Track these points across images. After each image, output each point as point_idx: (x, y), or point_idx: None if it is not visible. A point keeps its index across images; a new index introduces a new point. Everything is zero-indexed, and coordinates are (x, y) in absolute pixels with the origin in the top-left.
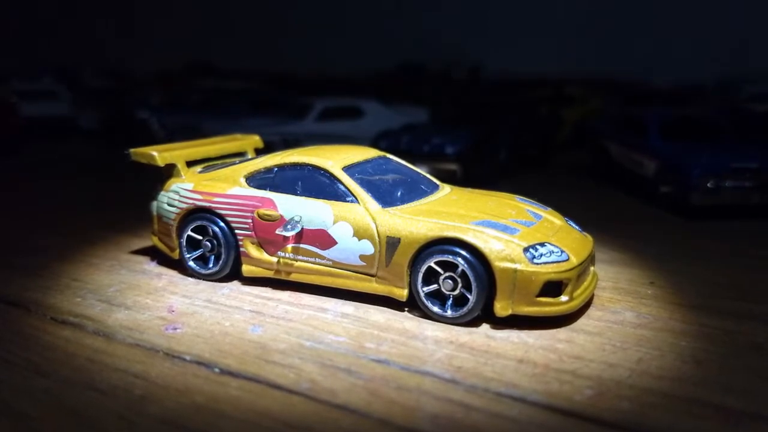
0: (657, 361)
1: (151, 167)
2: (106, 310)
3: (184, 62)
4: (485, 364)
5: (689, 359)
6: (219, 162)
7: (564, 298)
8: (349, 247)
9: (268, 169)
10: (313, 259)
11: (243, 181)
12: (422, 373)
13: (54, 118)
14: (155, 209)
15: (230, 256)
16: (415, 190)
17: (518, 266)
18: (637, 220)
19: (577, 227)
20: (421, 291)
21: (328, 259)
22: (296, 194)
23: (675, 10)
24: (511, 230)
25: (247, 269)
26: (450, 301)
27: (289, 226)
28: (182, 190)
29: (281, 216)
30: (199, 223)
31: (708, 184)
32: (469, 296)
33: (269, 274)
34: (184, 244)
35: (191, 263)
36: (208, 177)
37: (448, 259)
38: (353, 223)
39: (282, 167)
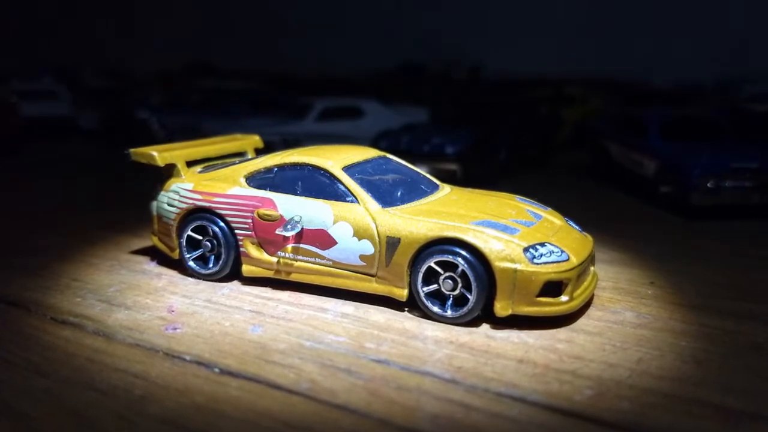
0: (657, 361)
1: (151, 167)
2: (106, 310)
3: (184, 62)
4: (485, 364)
5: (689, 359)
6: (219, 162)
7: (564, 298)
8: (349, 247)
9: (268, 169)
10: (313, 259)
11: (243, 181)
12: (422, 373)
13: (54, 118)
14: (155, 209)
15: (230, 256)
16: (415, 190)
17: (518, 266)
18: (637, 220)
19: (577, 227)
20: (421, 291)
21: (328, 259)
22: (296, 194)
23: (675, 10)
24: (511, 230)
25: (247, 269)
26: (450, 301)
27: (289, 226)
28: (182, 190)
29: (281, 216)
30: (199, 223)
31: (708, 184)
32: (469, 296)
33: (269, 274)
34: (184, 244)
35: (191, 263)
36: (208, 177)
37: (448, 259)
38: (353, 223)
39: (282, 167)
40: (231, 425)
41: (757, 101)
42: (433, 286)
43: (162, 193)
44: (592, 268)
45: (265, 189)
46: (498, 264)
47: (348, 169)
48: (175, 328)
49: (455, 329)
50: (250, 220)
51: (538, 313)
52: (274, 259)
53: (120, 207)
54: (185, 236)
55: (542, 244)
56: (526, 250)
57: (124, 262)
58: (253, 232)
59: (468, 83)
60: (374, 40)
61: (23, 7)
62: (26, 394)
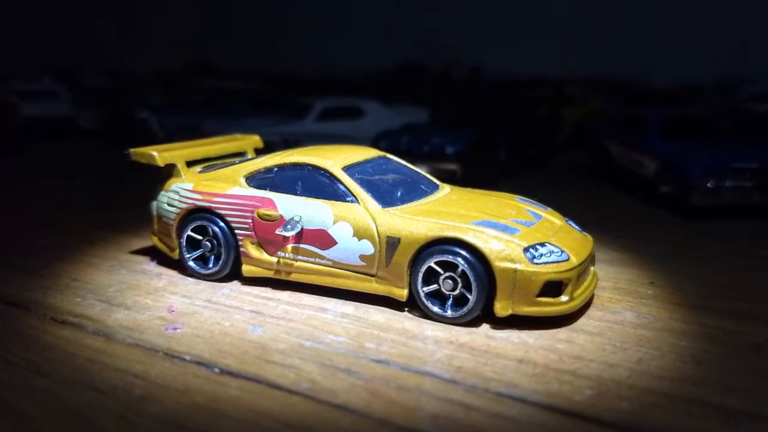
0: (657, 361)
1: (151, 167)
2: (106, 310)
3: (184, 62)
4: (485, 364)
5: (689, 359)
6: (219, 162)
7: (564, 298)
8: (349, 247)
9: (268, 169)
10: (313, 259)
11: (243, 181)
12: (422, 374)
13: (54, 118)
14: (155, 209)
15: (230, 256)
16: (415, 190)
17: (518, 266)
18: (637, 220)
19: (577, 227)
20: (421, 291)
21: (328, 259)
22: (296, 194)
23: (675, 10)
24: (511, 230)
25: (247, 269)
26: (450, 301)
27: (289, 226)
28: (182, 190)
29: (281, 216)
30: (199, 223)
31: (708, 184)
32: (469, 296)
33: (269, 274)
34: (184, 244)
35: (191, 263)
36: (208, 177)
37: (448, 259)
38: (353, 223)
39: (282, 167)
40: (231, 425)
41: (757, 101)
42: (433, 286)
43: (162, 193)
44: (592, 268)
45: (265, 189)
46: (498, 264)
47: (348, 169)
48: (175, 328)
49: (455, 329)
50: (250, 220)
51: (538, 313)
52: (274, 259)
53: (120, 207)
54: (185, 236)
55: (542, 244)
56: (526, 250)
57: (124, 262)
58: (253, 232)
59: (468, 83)
60: (374, 40)
61: (23, 7)
62: (26, 394)
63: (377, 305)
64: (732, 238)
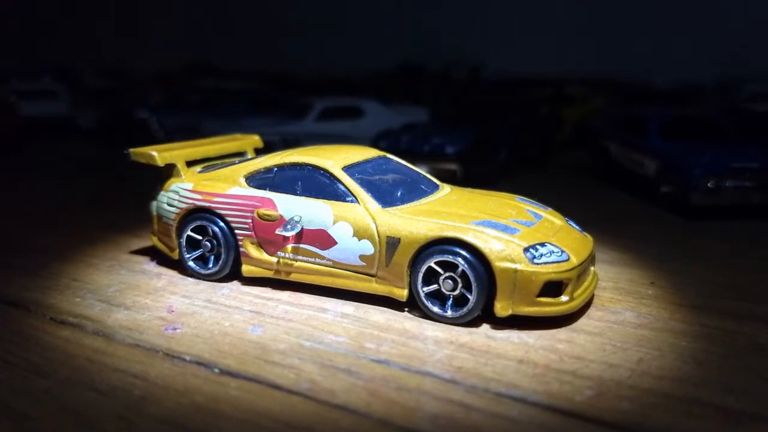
0: (657, 361)
1: (151, 167)
2: (106, 310)
3: (184, 62)
4: (485, 365)
5: (690, 359)
6: (219, 162)
7: (564, 298)
8: (349, 247)
9: (268, 169)
10: (313, 259)
11: (243, 181)
12: (422, 374)
13: (53, 118)
14: (155, 209)
15: (230, 256)
16: (415, 190)
17: (518, 266)
18: (637, 220)
19: (577, 227)
20: (421, 291)
21: (328, 259)
22: (296, 194)
23: (675, 10)
24: (512, 230)
25: (246, 269)
26: (450, 302)
27: (288, 226)
28: (182, 190)
29: (281, 216)
30: (198, 223)
31: (708, 184)
32: (469, 296)
33: (269, 274)
34: (184, 244)
35: (191, 263)
36: (208, 177)
37: (448, 259)
38: (353, 223)
39: (282, 167)
40: (231, 425)
41: (757, 101)
42: (433, 286)
43: (162, 193)
44: (592, 268)
45: (265, 189)
46: (498, 264)
47: (348, 169)
48: (175, 329)
49: (455, 329)
50: (249, 220)
51: (538, 313)
52: (274, 259)
53: (120, 207)
54: (185, 236)
55: (542, 244)
56: (526, 250)
57: (124, 262)
58: (252, 232)
59: (468, 83)
60: (374, 40)
61: (23, 7)
62: (26, 394)
63: (377, 305)
64: (732, 238)
